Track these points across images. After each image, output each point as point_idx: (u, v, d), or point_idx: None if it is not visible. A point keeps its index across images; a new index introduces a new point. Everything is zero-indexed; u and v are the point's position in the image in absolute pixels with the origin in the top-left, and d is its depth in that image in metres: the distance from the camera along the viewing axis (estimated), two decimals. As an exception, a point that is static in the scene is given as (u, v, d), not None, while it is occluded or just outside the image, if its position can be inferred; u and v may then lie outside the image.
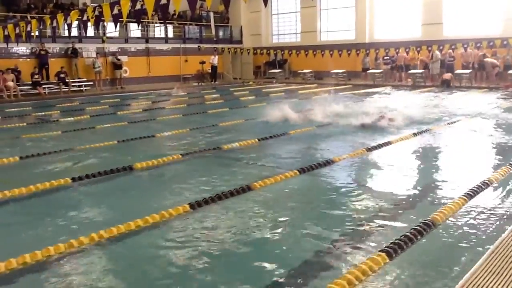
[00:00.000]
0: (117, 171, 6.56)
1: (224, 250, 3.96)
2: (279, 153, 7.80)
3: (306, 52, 25.23)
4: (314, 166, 6.51)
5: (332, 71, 24.32)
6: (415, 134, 8.90)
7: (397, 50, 22.70)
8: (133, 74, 23.92)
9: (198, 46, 27.04)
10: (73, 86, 21.04)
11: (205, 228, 4.43)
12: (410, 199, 5.21)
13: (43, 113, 14.03)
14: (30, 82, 19.73)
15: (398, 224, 4.42)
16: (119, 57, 23.13)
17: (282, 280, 3.39)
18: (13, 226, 4.64)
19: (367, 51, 23.89)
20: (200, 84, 25.22)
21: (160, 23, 25.58)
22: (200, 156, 7.58)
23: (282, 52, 27.49)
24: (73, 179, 6.12)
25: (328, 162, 6.79)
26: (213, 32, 27.40)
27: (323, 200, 5.30)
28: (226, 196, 5.25)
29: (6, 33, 11.63)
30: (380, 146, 7.87)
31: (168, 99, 18.40)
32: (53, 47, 21.44)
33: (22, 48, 20.27)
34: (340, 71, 24.18)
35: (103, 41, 23.07)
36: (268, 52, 28.13)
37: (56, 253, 3.83)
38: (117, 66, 22.99)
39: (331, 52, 24.59)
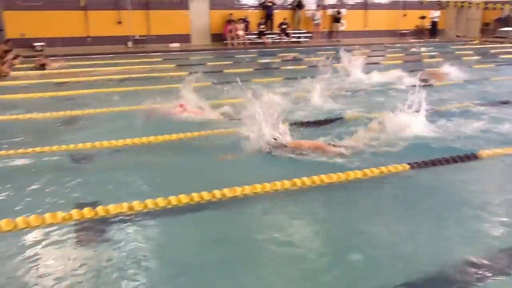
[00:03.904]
0: (330, 121, 6.89)
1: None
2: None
3: (552, 8, 21.56)
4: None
5: None
6: None
7: None
8: (349, 27, 23.96)
9: (420, -1, 25.49)
10: (293, 37, 22.21)
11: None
12: None
13: (267, 61, 15.32)
14: (257, 32, 21.55)
15: None
16: (340, 10, 23.37)
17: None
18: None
19: None
20: (418, 40, 23.93)
21: (383, -26, 24.78)
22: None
23: (521, 8, 24.00)
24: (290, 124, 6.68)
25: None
26: (439, -16, 25.40)
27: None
28: (448, 162, 5.08)
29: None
30: None
31: (382, 54, 18.06)
32: (278, -1, 22.84)
33: (252, 0, 22.07)
34: None
35: (324, -7, 23.58)
36: (502, 7, 24.85)
37: (243, 194, 4.24)
38: (336, 19, 23.33)
39: None
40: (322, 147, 5.33)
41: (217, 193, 4.08)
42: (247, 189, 4.20)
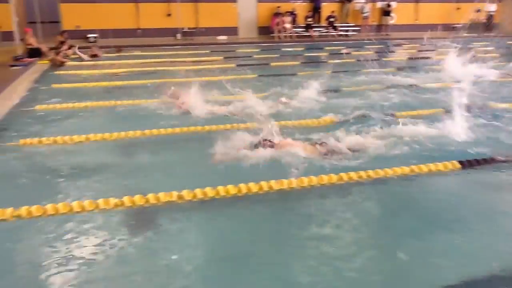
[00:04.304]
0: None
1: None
2: None
3: None
4: None
5: None
6: None
7: None
8: (399, 21, 23.38)
9: (476, -9, 24.51)
10: (341, 30, 21.91)
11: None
12: None
13: (314, 54, 15.21)
14: (303, 25, 21.39)
15: None
16: (390, 3, 22.85)
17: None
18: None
19: None
20: (472, 35, 23.04)
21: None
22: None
23: None
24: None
25: None
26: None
27: None
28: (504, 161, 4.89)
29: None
30: None
31: (433, 48, 17.52)
32: (326, -9, 22.58)
33: (300, -7, 22.00)
34: None
35: (373, -14, 23.10)
36: None
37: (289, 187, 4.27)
38: (385, 12, 22.83)
39: None
40: (310, 149, 5.03)
41: (265, 185, 4.12)
42: (294, 183, 4.21)
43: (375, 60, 13.81)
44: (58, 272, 3.05)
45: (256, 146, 4.99)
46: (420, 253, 3.26)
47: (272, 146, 4.99)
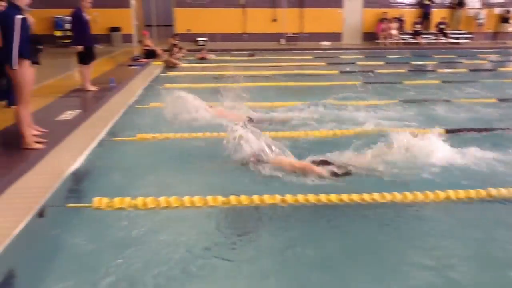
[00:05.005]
0: (491, 129, 6.33)
1: None
2: None
3: None
4: None
5: None
6: None
7: None
8: (520, 28, 21.62)
9: None
10: (451, 37, 20.77)
11: None
12: None
13: (421, 62, 14.61)
14: (411, 31, 20.60)
15: None
16: (510, 9, 21.20)
17: None
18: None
19: None
20: None
21: None
22: None
23: None
24: (447, 131, 6.18)
25: None
26: None
27: None
28: None
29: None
30: None
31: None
32: (439, -3, 21.54)
33: (409, -2, 21.25)
34: None
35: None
36: None
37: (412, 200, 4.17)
38: (504, 19, 21.23)
39: None
40: (307, 168, 4.71)
41: (367, 196, 4.09)
42: (409, 197, 4.14)
43: (490, 70, 12.97)
44: (164, 261, 3.26)
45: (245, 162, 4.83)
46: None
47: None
